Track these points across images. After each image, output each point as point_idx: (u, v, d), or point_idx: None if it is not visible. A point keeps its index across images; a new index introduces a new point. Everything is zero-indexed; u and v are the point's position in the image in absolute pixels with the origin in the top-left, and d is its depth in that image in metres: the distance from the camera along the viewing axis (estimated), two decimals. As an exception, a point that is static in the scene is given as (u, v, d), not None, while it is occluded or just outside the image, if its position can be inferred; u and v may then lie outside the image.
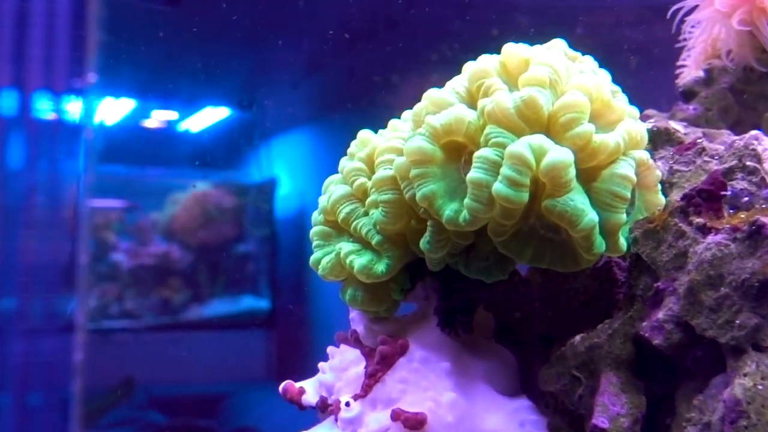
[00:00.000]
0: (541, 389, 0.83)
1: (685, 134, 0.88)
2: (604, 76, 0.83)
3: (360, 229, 0.81)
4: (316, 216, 0.87)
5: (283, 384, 0.86)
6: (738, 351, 0.70)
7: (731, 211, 0.75)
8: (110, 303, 3.30)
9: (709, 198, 0.76)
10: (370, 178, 0.82)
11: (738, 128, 1.02)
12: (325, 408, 0.82)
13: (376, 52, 2.61)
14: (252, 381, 3.31)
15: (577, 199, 0.72)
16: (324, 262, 0.83)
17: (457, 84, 0.79)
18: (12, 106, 1.96)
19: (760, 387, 0.67)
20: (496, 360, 0.84)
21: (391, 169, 0.78)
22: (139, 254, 3.36)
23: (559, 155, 0.71)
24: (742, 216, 0.73)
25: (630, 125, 0.77)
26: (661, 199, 0.80)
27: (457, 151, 0.76)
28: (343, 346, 0.86)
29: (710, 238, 0.72)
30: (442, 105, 0.77)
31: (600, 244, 0.74)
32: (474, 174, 0.72)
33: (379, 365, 0.79)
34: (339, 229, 0.84)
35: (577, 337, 0.80)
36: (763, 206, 0.74)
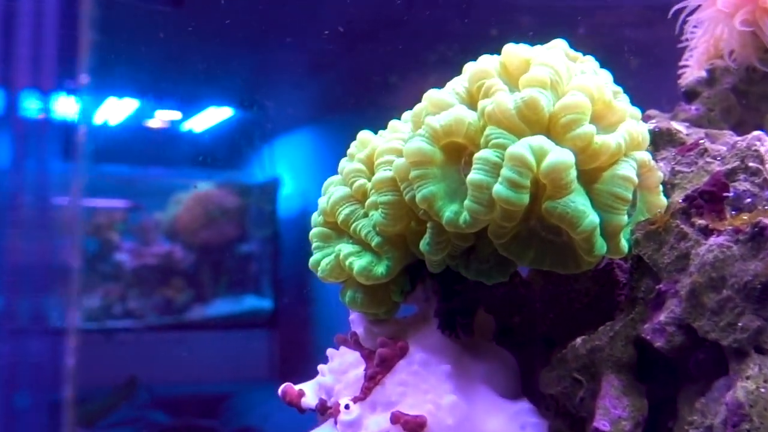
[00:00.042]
0: (542, 392, 0.83)
1: (687, 135, 0.88)
2: (606, 76, 0.82)
3: (360, 230, 0.81)
4: (315, 217, 0.86)
5: (282, 386, 0.86)
6: (740, 354, 0.69)
7: (733, 212, 0.74)
8: (113, 303, 3.31)
9: (711, 199, 0.75)
10: (369, 180, 0.81)
11: (740, 129, 1.01)
12: (324, 411, 0.82)
13: (378, 52, 2.61)
14: (254, 381, 3.32)
15: (578, 201, 0.71)
16: (323, 263, 0.83)
17: (457, 85, 0.79)
18: (-1, 105, 1.95)
19: (762, 390, 0.66)
20: (497, 362, 0.84)
21: (390, 170, 0.78)
22: (142, 254, 3.37)
23: (560, 157, 0.70)
24: (745, 217, 0.72)
25: (631, 126, 0.77)
26: (663, 201, 0.80)
27: (457, 153, 0.76)
28: (342, 349, 0.86)
29: (712, 240, 0.72)
30: (441, 106, 0.76)
31: (601, 246, 0.74)
32: (474, 175, 0.71)
33: (379, 368, 0.79)
34: (339, 231, 0.84)
35: (578, 340, 0.80)
36: (766, 207, 0.73)
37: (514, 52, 0.79)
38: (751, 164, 0.76)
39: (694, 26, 1.08)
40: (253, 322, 3.46)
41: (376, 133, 0.89)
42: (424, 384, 0.78)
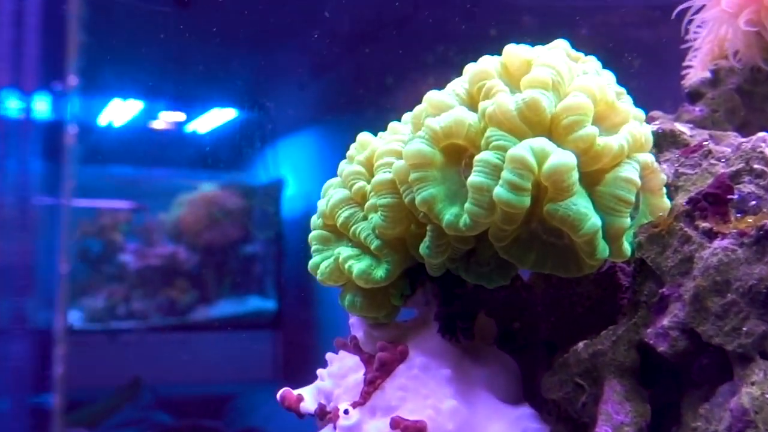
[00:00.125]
0: (544, 397, 0.82)
1: (691, 136, 0.87)
2: (608, 77, 0.82)
3: (359, 233, 0.80)
4: (314, 220, 0.86)
5: (280, 391, 0.85)
6: (745, 359, 0.68)
7: (738, 215, 0.73)
8: (117, 303, 3.31)
9: (715, 202, 0.74)
10: (369, 182, 0.81)
11: (745, 130, 1.00)
12: (323, 415, 0.81)
13: (382, 53, 2.61)
14: (258, 382, 3.32)
15: (580, 204, 0.71)
16: (323, 267, 0.82)
17: (458, 86, 0.78)
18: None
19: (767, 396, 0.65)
20: (498, 367, 0.83)
21: (390, 172, 0.77)
22: (146, 255, 3.38)
23: (562, 159, 0.70)
24: (750, 220, 0.71)
25: (634, 127, 0.76)
26: (666, 203, 0.79)
27: (457, 155, 0.75)
28: (342, 353, 0.85)
29: (716, 243, 0.71)
30: (441, 107, 0.76)
31: (603, 249, 0.73)
32: (474, 178, 0.71)
33: (379, 372, 0.78)
34: (338, 234, 0.83)
35: (581, 344, 0.79)
36: (771, 210, 0.72)
37: (515, 52, 0.78)
38: (756, 166, 0.75)
39: (698, 26, 1.07)
40: (256, 323, 3.47)
41: (376, 134, 0.88)
42: (424, 389, 0.77)
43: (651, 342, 0.75)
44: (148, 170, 3.43)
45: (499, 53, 0.79)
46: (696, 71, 1.08)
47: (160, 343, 3.31)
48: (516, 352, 0.87)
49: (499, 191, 0.69)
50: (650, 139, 0.78)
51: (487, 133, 0.73)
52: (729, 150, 0.81)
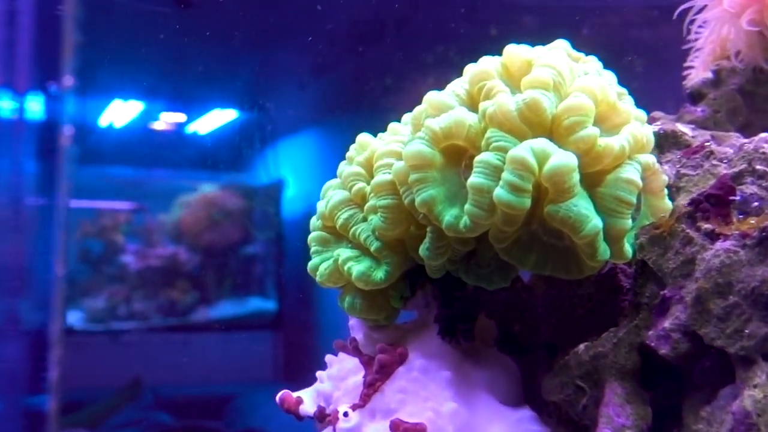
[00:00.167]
0: (545, 399, 0.81)
1: (692, 137, 0.86)
2: (610, 77, 0.81)
3: (359, 235, 0.79)
4: (314, 221, 0.85)
5: (279, 393, 0.85)
6: (747, 361, 0.68)
7: (740, 216, 0.73)
8: (118, 304, 3.31)
9: (717, 203, 0.74)
10: (369, 183, 0.80)
11: (747, 131, 1.00)
12: (323, 418, 0.81)
13: (382, 54, 2.60)
14: (259, 382, 3.32)
15: (581, 205, 0.70)
16: (322, 268, 0.82)
17: (458, 86, 0.78)
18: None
19: (770, 399, 0.65)
20: (498, 369, 0.82)
21: (389, 173, 0.77)
22: (146, 256, 3.38)
23: (563, 160, 0.69)
24: (752, 222, 0.70)
25: (636, 128, 0.75)
26: (668, 205, 0.78)
27: (457, 156, 0.74)
28: (341, 355, 0.85)
29: (719, 245, 0.70)
30: (441, 108, 0.75)
31: (604, 250, 0.72)
32: (475, 179, 0.70)
33: (378, 374, 0.77)
34: (337, 235, 0.83)
35: (581, 346, 0.78)
36: (774, 212, 0.72)
37: (515, 52, 0.78)
38: (758, 167, 0.74)
39: (700, 26, 1.06)
40: (257, 323, 3.47)
41: (376, 135, 0.88)
42: (423, 391, 0.77)
43: (652, 344, 0.74)
44: (149, 171, 3.43)
45: (500, 53, 0.79)
46: (698, 72, 1.08)
47: (161, 344, 3.31)
48: (516, 354, 0.86)
49: (499, 192, 0.68)
50: (652, 139, 0.78)
51: (488, 134, 0.72)
52: (731, 151, 0.80)
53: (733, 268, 0.69)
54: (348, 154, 0.87)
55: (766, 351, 0.67)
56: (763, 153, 0.75)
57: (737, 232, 0.70)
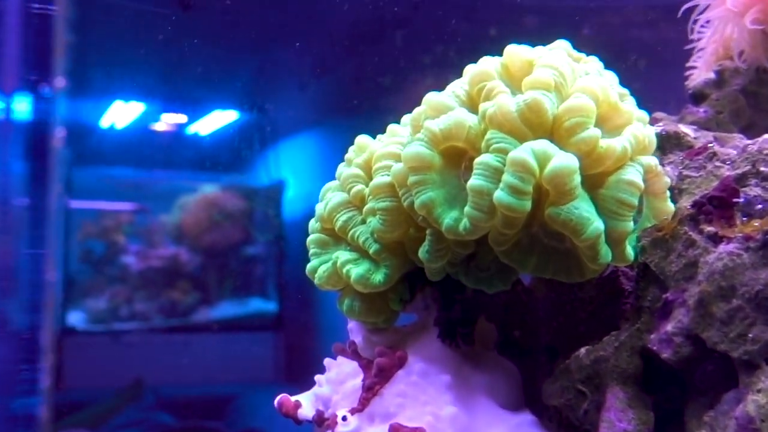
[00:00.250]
0: (545, 403, 0.81)
1: (695, 138, 0.85)
2: (611, 77, 0.80)
3: (357, 237, 0.79)
4: (313, 223, 0.85)
5: (278, 398, 0.84)
6: (751, 366, 0.67)
7: (744, 219, 0.72)
8: (120, 305, 3.32)
9: (720, 205, 0.73)
10: (367, 185, 0.80)
11: (750, 131, 0.99)
12: (321, 422, 0.80)
13: (383, 54, 2.60)
14: (260, 383, 3.32)
15: (582, 207, 0.69)
16: (321, 271, 0.81)
17: (457, 87, 0.77)
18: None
19: (774, 404, 0.64)
20: (499, 372, 0.82)
21: (388, 175, 0.76)
22: (148, 256, 3.38)
23: (564, 161, 0.68)
24: (756, 224, 0.70)
25: (638, 129, 0.75)
26: (670, 207, 0.78)
27: (457, 157, 0.74)
28: (340, 358, 0.84)
29: (722, 248, 0.69)
30: (441, 109, 0.74)
31: (606, 253, 0.71)
32: (474, 181, 0.69)
33: (377, 378, 0.77)
34: (336, 238, 0.82)
35: (582, 350, 0.78)
36: (778, 214, 0.71)
37: (516, 53, 0.77)
38: (762, 169, 0.73)
39: (703, 26, 1.06)
40: (258, 324, 3.47)
41: (377, 136, 0.87)
42: (423, 395, 0.76)
43: (654, 348, 0.73)
44: (150, 172, 3.43)
45: (500, 54, 0.78)
46: (700, 72, 1.07)
47: (162, 345, 3.31)
48: (517, 358, 0.85)
49: (499, 195, 0.68)
50: (654, 141, 0.77)
51: (488, 136, 0.71)
52: (734, 152, 0.79)
53: (737, 272, 0.68)
54: (347, 156, 0.86)
55: (770, 355, 0.66)
56: (767, 154, 0.74)
57: (740, 234, 0.69)
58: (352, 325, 0.85)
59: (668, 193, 0.78)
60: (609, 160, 0.72)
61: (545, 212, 0.70)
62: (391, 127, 0.86)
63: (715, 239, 0.71)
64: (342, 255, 0.79)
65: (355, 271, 0.78)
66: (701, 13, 1.04)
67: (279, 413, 0.84)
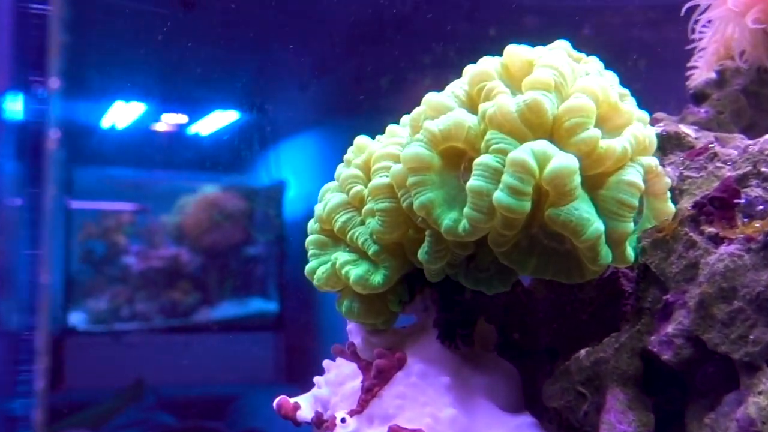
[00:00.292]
0: (545, 405, 0.80)
1: (696, 138, 0.85)
2: (611, 77, 0.80)
3: (356, 238, 0.78)
4: (311, 224, 0.84)
5: (277, 399, 0.84)
6: (752, 368, 0.67)
7: (745, 219, 0.71)
8: (121, 305, 3.32)
9: (721, 206, 0.72)
10: (367, 186, 0.79)
11: (752, 132, 0.98)
12: (320, 424, 0.80)
13: (384, 54, 2.60)
14: (260, 383, 3.31)
15: (582, 208, 0.69)
16: (319, 272, 0.80)
17: (457, 87, 0.76)
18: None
19: (775, 406, 0.64)
20: (498, 374, 0.81)
21: (387, 176, 0.76)
22: (149, 257, 3.38)
23: (564, 162, 0.68)
24: (757, 225, 0.69)
25: (638, 130, 0.74)
26: (671, 208, 0.77)
27: (456, 158, 0.73)
28: (339, 360, 0.84)
29: (723, 249, 0.69)
30: (440, 109, 0.74)
31: (606, 254, 0.71)
32: (474, 182, 0.69)
33: (376, 379, 0.76)
34: (335, 239, 0.82)
35: (582, 352, 0.77)
36: (779, 215, 0.71)
37: (516, 53, 0.77)
38: (763, 169, 0.73)
39: (704, 26, 1.05)
40: (259, 324, 3.47)
41: (376, 137, 0.87)
42: (422, 396, 0.75)
43: (655, 350, 0.73)
44: (151, 172, 3.44)
45: (501, 53, 0.78)
46: (701, 72, 1.07)
47: (163, 345, 3.31)
48: (517, 359, 0.85)
49: (498, 195, 0.67)
50: (654, 141, 0.76)
51: (487, 136, 0.71)
52: (735, 153, 0.79)
53: (738, 273, 0.67)
54: (346, 157, 0.86)
55: (771, 357, 0.66)
56: (768, 155, 0.73)
57: (742, 235, 0.69)
58: (351, 326, 0.85)
59: (669, 194, 0.78)
60: (609, 161, 0.71)
61: (545, 213, 0.69)
62: (391, 128, 0.85)
63: (716, 240, 0.71)
64: (341, 256, 0.79)
65: (354, 272, 0.77)
66: (702, 13, 1.03)
67: (278, 415, 0.83)
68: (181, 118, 3.34)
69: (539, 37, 0.84)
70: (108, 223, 3.37)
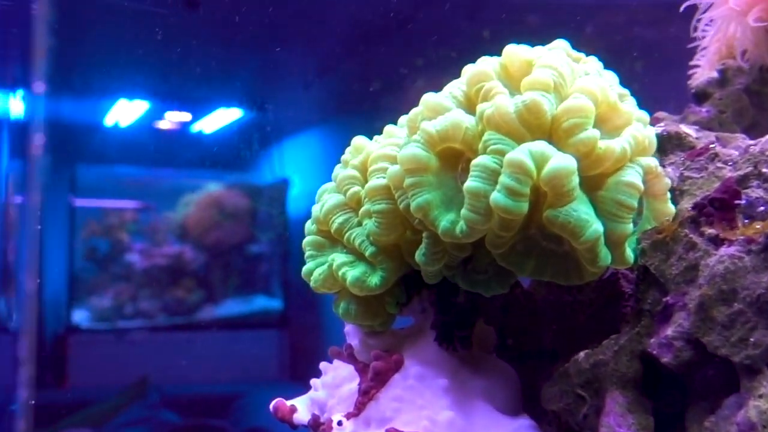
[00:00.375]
0: (544, 407, 0.80)
1: (696, 138, 0.84)
2: (611, 77, 0.79)
3: (353, 240, 0.78)
4: (309, 225, 0.84)
5: (273, 402, 0.83)
6: (752, 371, 0.66)
7: (746, 221, 0.71)
8: (124, 303, 3.32)
9: (721, 207, 0.71)
10: (364, 187, 0.79)
11: (753, 131, 0.97)
12: (317, 427, 0.79)
13: (388, 53, 2.59)
14: (265, 381, 3.32)
15: (581, 209, 0.68)
16: (316, 273, 0.80)
17: (455, 88, 0.76)
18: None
19: (776, 409, 0.63)
20: (497, 376, 0.81)
21: (384, 177, 0.75)
22: (152, 255, 3.38)
23: (562, 163, 0.67)
24: (758, 226, 0.68)
25: (637, 130, 0.73)
26: (671, 209, 0.76)
27: (454, 159, 0.73)
28: (336, 362, 0.83)
29: (723, 250, 0.68)
30: (438, 110, 0.73)
31: (605, 256, 0.70)
32: (471, 183, 0.68)
33: (373, 382, 0.76)
34: (332, 240, 0.81)
35: (582, 354, 0.77)
36: (780, 216, 0.70)
37: (515, 53, 0.76)
38: (764, 170, 0.72)
39: (706, 25, 1.04)
40: (263, 322, 3.47)
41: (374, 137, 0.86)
42: (419, 399, 0.75)
43: (654, 352, 0.72)
44: (154, 170, 3.44)
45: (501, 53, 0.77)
46: (703, 71, 1.06)
47: (167, 343, 3.32)
48: (515, 361, 0.84)
49: (496, 197, 0.67)
50: (654, 141, 0.76)
51: (485, 137, 0.70)
52: (736, 153, 0.78)
53: (738, 275, 0.66)
54: (343, 157, 0.85)
55: (771, 360, 0.65)
56: (770, 155, 0.73)
57: (742, 237, 0.68)
58: (348, 328, 0.84)
59: (669, 195, 0.77)
60: (608, 162, 0.70)
61: (543, 214, 0.69)
62: (388, 128, 0.85)
63: (716, 242, 0.70)
64: (338, 257, 0.79)
65: (351, 273, 0.77)
66: (704, 12, 1.02)
67: (275, 417, 0.83)
68: (185, 116, 3.35)
69: (540, 36, 0.83)
70: (111, 221, 3.38)
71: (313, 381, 0.84)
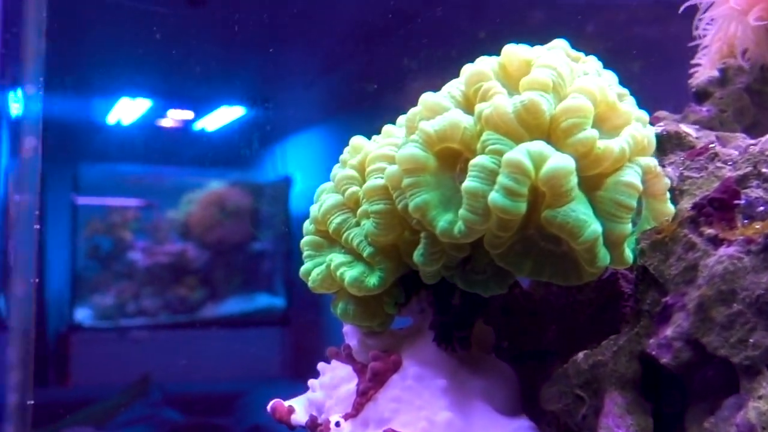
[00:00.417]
0: (543, 408, 0.79)
1: (696, 138, 0.84)
2: (610, 77, 0.79)
3: (351, 240, 0.78)
4: (307, 225, 0.84)
5: (271, 403, 0.83)
6: (752, 372, 0.66)
7: (745, 221, 0.70)
8: (127, 301, 3.33)
9: (721, 207, 0.71)
10: (362, 187, 0.79)
11: (754, 130, 0.97)
12: (315, 428, 0.79)
13: (390, 51, 2.59)
14: (267, 379, 3.32)
15: (579, 210, 0.68)
16: (314, 273, 0.80)
17: (453, 88, 0.76)
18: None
19: (775, 411, 0.63)
20: (496, 377, 0.80)
21: (382, 178, 0.75)
22: (155, 253, 3.39)
23: (560, 162, 0.67)
24: (757, 227, 0.68)
25: (636, 130, 0.73)
26: (670, 209, 0.76)
27: (452, 159, 0.72)
28: (334, 362, 0.83)
29: (722, 251, 0.68)
30: (436, 110, 0.73)
31: (604, 256, 0.70)
32: (469, 183, 0.68)
33: (371, 383, 0.76)
34: (330, 240, 0.81)
35: (581, 354, 0.76)
36: (780, 216, 0.69)
37: (514, 52, 0.76)
38: (764, 170, 0.72)
39: (707, 24, 1.04)
40: (265, 320, 3.47)
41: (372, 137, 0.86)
42: (418, 400, 0.75)
43: (653, 353, 0.72)
44: (157, 168, 3.44)
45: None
46: (704, 70, 1.05)
47: (169, 341, 3.32)
48: (514, 362, 0.84)
49: (494, 197, 0.66)
50: (653, 141, 0.75)
51: (483, 137, 0.70)
52: (736, 153, 0.78)
53: (737, 275, 0.66)
54: (341, 157, 0.85)
55: (771, 361, 0.65)
56: (770, 155, 0.72)
57: (742, 237, 0.68)
58: (347, 328, 0.84)
59: (668, 195, 0.77)
60: (606, 162, 0.70)
61: (541, 215, 0.69)
62: (387, 128, 0.85)
63: (716, 242, 0.70)
64: (336, 257, 0.79)
65: (349, 274, 0.77)
66: (705, 11, 1.02)
67: (272, 418, 0.83)
68: (187, 114, 3.35)
69: (539, 36, 0.83)
70: (114, 219, 3.38)
71: (311, 382, 0.84)
